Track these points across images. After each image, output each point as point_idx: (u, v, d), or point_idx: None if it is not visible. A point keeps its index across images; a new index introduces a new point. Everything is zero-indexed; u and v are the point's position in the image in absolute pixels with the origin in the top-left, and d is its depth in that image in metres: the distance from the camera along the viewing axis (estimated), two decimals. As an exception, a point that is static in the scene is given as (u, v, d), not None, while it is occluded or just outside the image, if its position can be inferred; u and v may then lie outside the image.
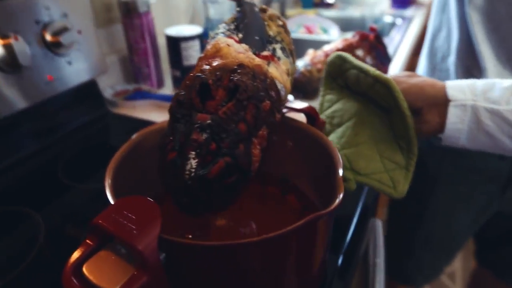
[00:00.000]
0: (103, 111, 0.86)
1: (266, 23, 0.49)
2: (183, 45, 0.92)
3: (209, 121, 0.37)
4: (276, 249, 0.36)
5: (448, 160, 0.86)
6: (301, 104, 0.53)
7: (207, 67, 0.40)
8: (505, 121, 0.46)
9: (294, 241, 0.37)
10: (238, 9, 0.49)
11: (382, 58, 0.93)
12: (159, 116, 0.85)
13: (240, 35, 0.46)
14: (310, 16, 1.60)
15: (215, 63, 0.40)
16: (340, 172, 0.40)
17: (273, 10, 0.52)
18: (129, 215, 0.32)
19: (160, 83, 1.00)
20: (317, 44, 1.21)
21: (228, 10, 1.07)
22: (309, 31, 1.52)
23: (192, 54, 0.93)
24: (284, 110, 0.53)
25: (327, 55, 0.88)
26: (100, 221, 0.32)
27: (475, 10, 0.70)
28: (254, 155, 0.39)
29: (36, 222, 0.56)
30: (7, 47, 0.62)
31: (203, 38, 0.94)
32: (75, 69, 0.76)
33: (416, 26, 1.56)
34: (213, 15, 1.07)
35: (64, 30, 0.71)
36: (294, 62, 0.50)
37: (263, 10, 0.50)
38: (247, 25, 0.47)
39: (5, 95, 0.65)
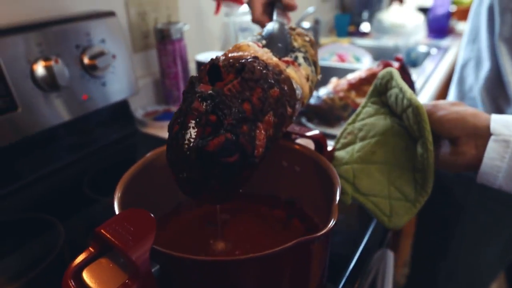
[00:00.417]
0: (133, 129, 0.91)
1: (292, 37, 0.51)
2: (212, 70, 0.96)
3: (210, 92, 0.36)
4: (266, 269, 0.37)
5: (475, 188, 0.83)
6: (311, 131, 0.54)
7: (223, 57, 0.41)
8: None
9: (285, 262, 0.38)
10: (266, 24, 0.52)
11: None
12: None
13: (264, 42, 0.48)
14: (344, 44, 1.62)
15: (231, 54, 0.42)
16: (337, 200, 0.41)
17: (302, 29, 0.54)
18: (128, 226, 0.35)
19: (189, 106, 1.05)
20: (347, 73, 1.22)
21: (258, 38, 1.12)
22: (341, 59, 1.54)
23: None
24: (294, 136, 0.55)
25: (350, 84, 0.89)
26: (102, 230, 0.35)
27: (504, 42, 0.70)
28: (258, 140, 0.38)
29: (58, 231, 0.60)
30: (48, 69, 0.69)
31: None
32: (108, 90, 0.82)
33: (451, 56, 1.54)
34: (244, 42, 1.12)
35: (100, 54, 0.77)
36: (317, 73, 0.51)
37: (292, 29, 0.53)
38: (272, 35, 0.49)
39: (44, 111, 0.72)
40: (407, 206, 0.49)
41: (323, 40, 1.74)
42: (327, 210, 0.44)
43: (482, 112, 0.48)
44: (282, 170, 0.55)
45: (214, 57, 0.41)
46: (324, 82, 1.03)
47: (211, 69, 0.40)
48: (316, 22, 1.62)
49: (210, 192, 0.39)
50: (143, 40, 1.01)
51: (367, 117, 0.57)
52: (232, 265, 0.36)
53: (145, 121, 0.94)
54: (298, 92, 0.44)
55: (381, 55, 1.68)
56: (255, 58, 0.41)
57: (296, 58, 0.48)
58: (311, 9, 1.44)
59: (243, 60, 0.39)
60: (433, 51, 1.60)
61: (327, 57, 1.54)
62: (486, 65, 0.76)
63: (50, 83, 0.70)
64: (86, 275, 0.33)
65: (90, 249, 0.35)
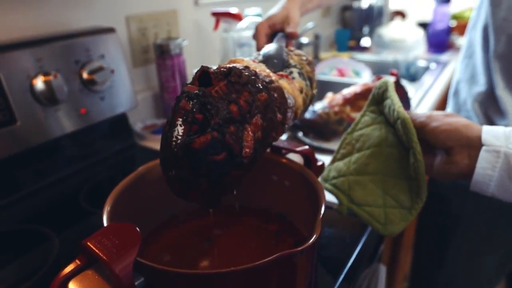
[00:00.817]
0: (131, 142, 0.93)
1: (289, 56, 0.53)
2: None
3: (196, 91, 0.38)
4: (251, 283, 0.38)
5: (471, 198, 0.84)
6: (300, 146, 0.55)
7: (216, 68, 0.43)
8: None
9: (269, 275, 0.39)
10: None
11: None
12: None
13: (260, 58, 0.51)
14: (344, 59, 1.63)
15: (223, 65, 0.43)
16: (321, 214, 0.41)
17: (300, 51, 0.56)
18: (114, 239, 0.36)
19: (188, 119, 1.06)
20: (345, 87, 1.23)
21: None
22: (341, 73, 1.56)
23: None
24: (285, 152, 0.56)
25: (345, 98, 0.90)
26: (88, 243, 0.36)
27: (498, 59, 0.72)
28: (246, 140, 0.39)
29: (53, 243, 0.61)
30: (47, 83, 0.71)
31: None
32: (106, 104, 0.83)
33: (450, 70, 1.55)
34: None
35: (99, 69, 0.79)
36: (312, 88, 0.53)
37: (291, 50, 0.55)
38: (269, 54, 0.52)
39: (43, 124, 0.73)
40: (402, 213, 0.51)
41: (323, 54, 1.76)
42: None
43: (474, 123, 0.50)
44: (272, 184, 0.56)
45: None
46: (320, 96, 1.04)
47: (203, 78, 0.41)
48: (316, 37, 1.64)
49: (198, 191, 0.40)
50: (143, 55, 1.03)
51: (365, 127, 0.60)
52: (216, 278, 0.36)
53: (144, 134, 0.96)
54: (289, 101, 0.46)
55: (380, 69, 1.70)
56: (246, 67, 0.42)
57: (290, 72, 0.50)
58: (310, 24, 1.46)
59: (231, 65, 0.41)
60: (432, 65, 1.61)
61: (327, 72, 1.56)
62: (480, 80, 0.78)
63: (49, 98, 0.71)
64: (72, 287, 0.34)
65: (77, 261, 0.36)
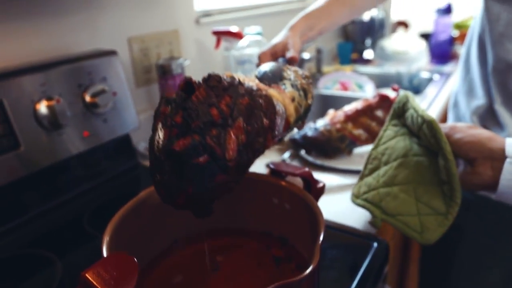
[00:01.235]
0: (134, 163, 0.93)
1: (284, 72, 0.54)
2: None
3: (174, 96, 0.39)
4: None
5: (473, 210, 0.83)
6: (300, 169, 0.55)
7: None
8: None
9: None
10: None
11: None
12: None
13: (256, 74, 0.52)
14: (347, 72, 1.64)
15: None
16: (320, 240, 0.41)
17: (297, 68, 0.57)
18: (112, 271, 0.36)
19: (191, 137, 1.07)
20: (349, 101, 1.23)
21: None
22: (344, 87, 1.56)
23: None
24: (285, 175, 0.56)
25: (347, 115, 0.90)
26: (86, 275, 0.36)
27: (495, 73, 0.71)
28: (228, 143, 0.39)
29: (56, 268, 0.61)
30: (50, 108, 0.72)
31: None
32: (109, 126, 0.84)
33: (453, 81, 1.55)
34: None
35: (101, 92, 0.80)
36: (307, 98, 0.53)
37: (287, 68, 0.56)
38: (265, 69, 0.53)
39: (46, 148, 0.74)
40: (439, 220, 0.51)
41: (326, 68, 1.77)
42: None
43: (497, 135, 0.51)
44: (273, 207, 0.56)
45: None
46: (322, 113, 1.05)
47: (188, 89, 0.41)
48: (318, 51, 1.65)
49: (185, 196, 0.40)
50: (146, 75, 1.04)
51: (388, 140, 0.61)
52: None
53: (147, 154, 0.96)
54: (278, 108, 0.46)
55: (383, 82, 1.70)
56: (231, 76, 0.43)
57: (283, 84, 0.51)
58: (312, 39, 1.47)
59: (212, 73, 0.42)
60: (436, 77, 1.60)
61: (330, 85, 1.56)
62: (478, 94, 0.78)
63: (52, 122, 0.72)
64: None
65: (76, 293, 0.36)
